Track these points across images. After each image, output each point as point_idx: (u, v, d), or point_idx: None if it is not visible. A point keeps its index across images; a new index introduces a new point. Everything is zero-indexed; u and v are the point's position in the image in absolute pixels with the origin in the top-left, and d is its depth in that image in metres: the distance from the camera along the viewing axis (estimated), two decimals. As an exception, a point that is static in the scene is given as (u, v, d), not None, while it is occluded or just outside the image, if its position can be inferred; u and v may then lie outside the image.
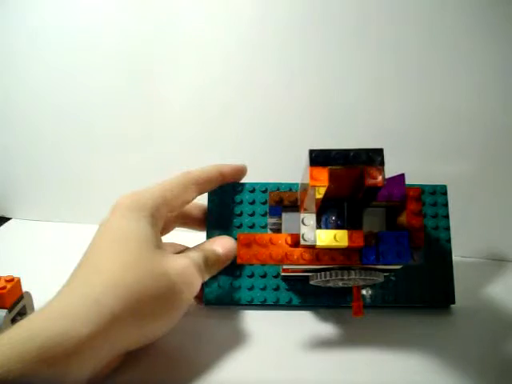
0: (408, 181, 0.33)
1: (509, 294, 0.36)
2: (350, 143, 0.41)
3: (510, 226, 0.41)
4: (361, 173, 0.20)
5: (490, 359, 0.29)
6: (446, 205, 0.34)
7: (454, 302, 0.33)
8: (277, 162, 0.42)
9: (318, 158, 0.20)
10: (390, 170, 0.40)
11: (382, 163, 0.20)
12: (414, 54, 0.40)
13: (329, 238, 0.24)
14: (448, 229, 0.34)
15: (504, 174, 0.41)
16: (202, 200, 0.34)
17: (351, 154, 0.20)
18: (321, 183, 0.20)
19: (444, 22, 0.39)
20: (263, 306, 0.33)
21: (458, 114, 0.40)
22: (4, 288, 0.28)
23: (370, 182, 0.20)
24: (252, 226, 0.34)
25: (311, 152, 0.20)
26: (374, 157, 0.20)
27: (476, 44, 0.39)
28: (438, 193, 0.34)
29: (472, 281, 0.37)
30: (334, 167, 0.20)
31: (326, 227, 0.25)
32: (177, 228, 0.35)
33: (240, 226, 0.34)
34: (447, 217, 0.34)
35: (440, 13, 0.39)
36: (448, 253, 0.34)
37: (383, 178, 0.20)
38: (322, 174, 0.20)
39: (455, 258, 0.34)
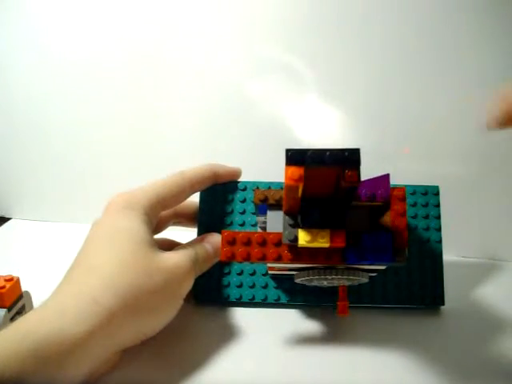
0: (404, 181, 0.34)
1: (500, 294, 0.36)
2: (349, 143, 0.42)
3: (505, 226, 0.41)
4: (337, 173, 0.20)
5: (473, 360, 0.29)
6: (437, 206, 0.34)
7: (443, 304, 0.33)
8: (269, 160, 0.42)
9: (293, 157, 0.20)
10: (388, 170, 0.40)
11: (358, 163, 0.20)
12: (416, 56, 0.40)
13: (311, 237, 0.24)
14: (439, 230, 0.34)
15: (501, 175, 0.40)
16: (195, 198, 0.35)
17: (327, 153, 0.20)
18: (295, 182, 0.20)
19: (445, 24, 0.39)
20: (252, 303, 0.34)
21: (457, 114, 0.40)
22: (3, 287, 0.28)
23: (344, 183, 0.20)
24: (242, 224, 0.34)
25: (287, 151, 0.20)
26: (350, 157, 0.20)
27: (476, 46, 0.39)
28: (430, 193, 0.34)
29: (464, 281, 0.37)
30: (309, 167, 0.20)
31: (309, 227, 0.25)
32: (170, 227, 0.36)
33: (231, 224, 0.34)
34: (439, 218, 0.34)
35: (442, 14, 0.39)
36: (438, 254, 0.33)
37: (358, 178, 0.20)
38: (297, 174, 0.20)
39: (450, 257, 0.33)
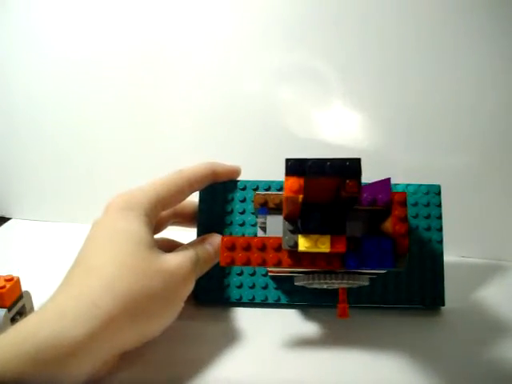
0: (406, 180, 0.33)
1: (501, 295, 0.36)
2: (348, 141, 0.41)
3: (506, 226, 0.41)
4: (338, 183, 0.20)
5: (473, 361, 0.29)
6: (439, 205, 0.34)
7: (443, 304, 0.33)
8: (269, 160, 0.41)
9: (293, 167, 0.20)
10: (390, 165, 0.40)
11: (359, 174, 0.20)
12: (416, 50, 0.39)
13: (311, 242, 0.24)
14: (440, 230, 0.34)
15: (502, 174, 0.40)
16: (194, 198, 0.34)
17: (327, 163, 0.19)
18: (295, 193, 0.20)
19: (444, 19, 0.38)
20: (252, 304, 0.34)
21: (458, 112, 0.40)
22: (3, 287, 0.28)
23: (345, 193, 0.20)
24: (242, 224, 0.34)
25: (287, 161, 0.20)
26: (350, 167, 0.20)
27: (477, 40, 0.38)
28: (432, 193, 0.34)
29: (465, 282, 0.37)
30: (309, 177, 0.20)
31: (309, 232, 0.24)
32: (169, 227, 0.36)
33: (230, 224, 0.34)
34: (440, 218, 0.34)
35: (442, 9, 0.38)
36: (439, 254, 0.33)
37: (359, 188, 0.20)
38: (297, 185, 0.20)
39: (451, 257, 0.33)
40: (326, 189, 0.21)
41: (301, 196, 0.20)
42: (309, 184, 0.20)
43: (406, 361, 0.29)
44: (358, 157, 0.20)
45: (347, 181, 0.20)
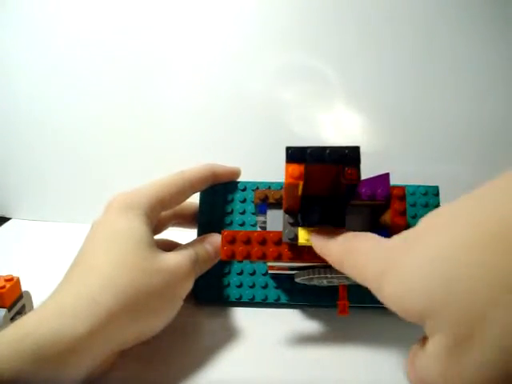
0: (404, 181, 0.34)
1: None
2: (348, 143, 0.42)
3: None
4: (337, 171, 0.20)
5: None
6: (437, 206, 0.34)
7: (443, 304, 0.33)
8: (269, 160, 0.42)
9: (294, 154, 0.20)
10: (389, 167, 0.40)
11: (358, 161, 0.20)
12: (413, 58, 0.40)
13: (311, 235, 0.24)
14: (439, 230, 0.34)
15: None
16: (194, 198, 0.35)
17: (327, 151, 0.20)
18: (295, 180, 0.20)
19: (444, 19, 0.39)
20: (252, 303, 0.34)
21: (455, 117, 0.40)
22: (3, 287, 0.28)
23: (344, 180, 0.20)
24: (242, 224, 0.34)
25: (288, 149, 0.20)
26: (350, 155, 0.20)
27: (474, 50, 0.39)
28: (430, 194, 0.34)
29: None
30: (310, 164, 0.20)
31: (309, 225, 0.25)
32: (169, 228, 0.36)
33: (230, 224, 0.34)
34: (439, 218, 0.34)
35: (442, 10, 0.39)
36: (438, 254, 0.33)
37: (358, 176, 0.20)
38: (298, 171, 0.20)
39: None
40: (326, 176, 0.21)
41: (301, 183, 0.21)
42: (309, 171, 0.20)
43: (406, 360, 0.29)
44: (357, 145, 0.20)
45: (346, 168, 0.20)
